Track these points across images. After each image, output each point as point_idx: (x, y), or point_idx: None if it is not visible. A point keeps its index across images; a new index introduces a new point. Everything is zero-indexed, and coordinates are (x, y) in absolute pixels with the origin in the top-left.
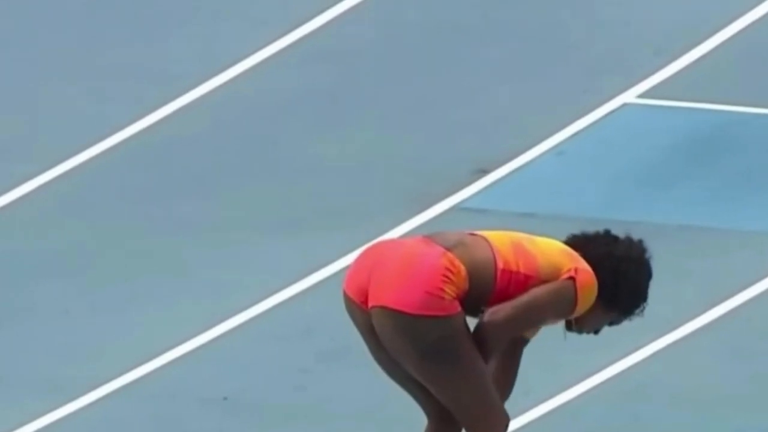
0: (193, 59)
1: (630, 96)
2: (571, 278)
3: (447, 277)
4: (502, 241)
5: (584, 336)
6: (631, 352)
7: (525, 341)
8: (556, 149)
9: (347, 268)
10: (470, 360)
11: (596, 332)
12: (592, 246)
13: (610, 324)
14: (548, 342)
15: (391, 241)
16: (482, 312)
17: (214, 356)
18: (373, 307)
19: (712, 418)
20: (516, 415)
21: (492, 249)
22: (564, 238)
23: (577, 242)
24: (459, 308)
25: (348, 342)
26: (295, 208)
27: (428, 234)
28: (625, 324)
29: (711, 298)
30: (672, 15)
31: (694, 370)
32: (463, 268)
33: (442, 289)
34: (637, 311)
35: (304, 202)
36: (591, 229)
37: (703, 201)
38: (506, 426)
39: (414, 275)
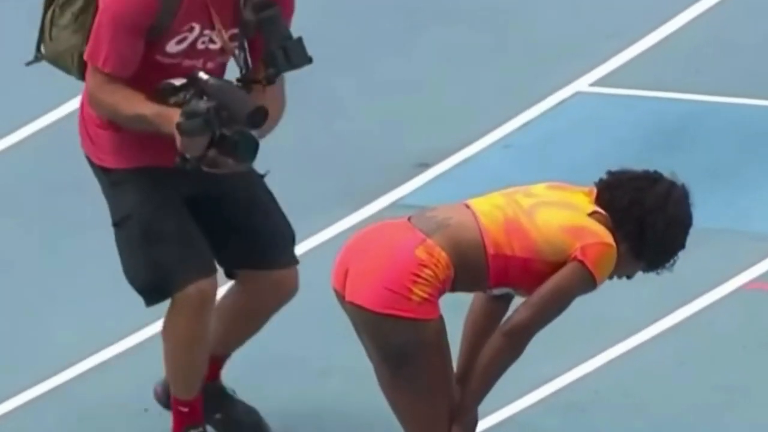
0: None
1: (582, 84)
2: (579, 260)
3: (417, 275)
4: (493, 217)
5: (531, 343)
6: (585, 359)
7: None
8: (503, 142)
9: None
10: (433, 378)
11: (629, 277)
12: (620, 193)
13: (645, 271)
14: None
15: (376, 228)
16: (488, 291)
17: (140, 363)
18: (347, 302)
19: (673, 429)
20: None
21: (481, 230)
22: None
23: (606, 187)
24: (434, 314)
25: (281, 348)
26: None
27: (417, 212)
28: (577, 329)
29: (670, 301)
30: None
31: (653, 378)
32: (443, 254)
33: (408, 289)
34: (667, 265)
35: None
36: None
37: None
38: None
39: (381, 271)
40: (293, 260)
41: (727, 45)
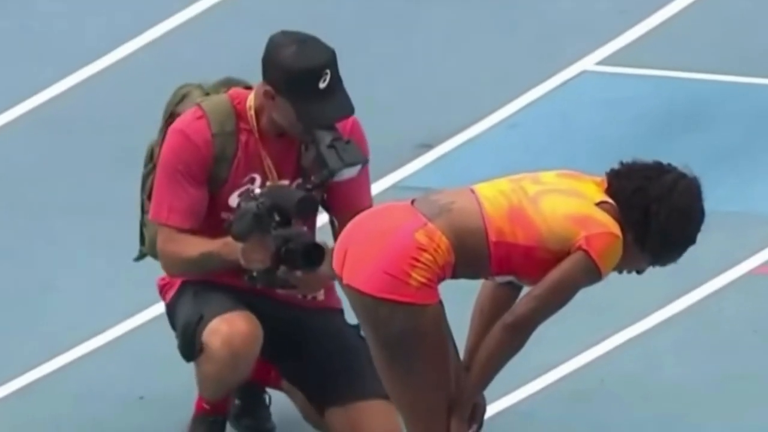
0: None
1: (589, 63)
2: (583, 250)
3: (416, 259)
4: (497, 204)
5: (536, 330)
6: (590, 346)
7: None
8: (508, 121)
9: None
10: (430, 365)
11: (639, 272)
12: (627, 182)
13: (652, 265)
14: None
15: (377, 210)
16: (491, 278)
17: (135, 350)
18: (344, 285)
19: (679, 421)
20: None
21: (483, 217)
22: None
23: (615, 176)
24: (433, 299)
25: None
26: None
27: (421, 195)
28: (582, 315)
29: (678, 286)
30: None
31: (660, 366)
32: (444, 240)
33: (407, 273)
34: (674, 257)
35: None
36: None
37: None
38: None
39: (380, 255)
40: (379, 392)
41: (739, 23)
